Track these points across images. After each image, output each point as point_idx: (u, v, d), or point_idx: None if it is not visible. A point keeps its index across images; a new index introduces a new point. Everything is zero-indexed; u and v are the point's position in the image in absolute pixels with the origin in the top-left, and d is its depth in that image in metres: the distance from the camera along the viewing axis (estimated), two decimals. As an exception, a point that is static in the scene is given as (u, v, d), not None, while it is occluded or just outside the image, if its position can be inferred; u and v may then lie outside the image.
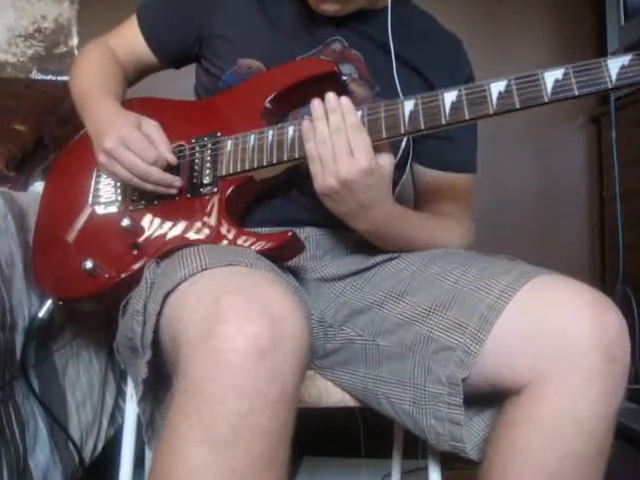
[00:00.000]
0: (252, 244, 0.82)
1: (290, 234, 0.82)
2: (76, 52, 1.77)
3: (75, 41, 1.79)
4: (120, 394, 1.28)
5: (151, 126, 0.88)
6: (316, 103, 0.79)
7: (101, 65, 1.03)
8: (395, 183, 0.98)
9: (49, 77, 1.76)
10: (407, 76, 0.95)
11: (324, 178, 0.77)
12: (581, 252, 1.79)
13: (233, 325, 0.58)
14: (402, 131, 0.79)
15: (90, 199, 0.96)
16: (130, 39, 1.05)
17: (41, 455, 0.99)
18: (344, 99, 0.78)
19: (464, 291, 0.75)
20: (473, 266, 0.77)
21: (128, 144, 0.84)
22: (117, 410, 1.27)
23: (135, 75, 1.08)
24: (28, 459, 0.95)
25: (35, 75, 1.77)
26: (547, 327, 0.68)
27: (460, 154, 1.01)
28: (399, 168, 0.95)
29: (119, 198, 0.94)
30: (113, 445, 1.17)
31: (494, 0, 1.81)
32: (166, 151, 0.87)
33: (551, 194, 1.80)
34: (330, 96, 0.79)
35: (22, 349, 0.96)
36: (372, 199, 0.79)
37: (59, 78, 1.72)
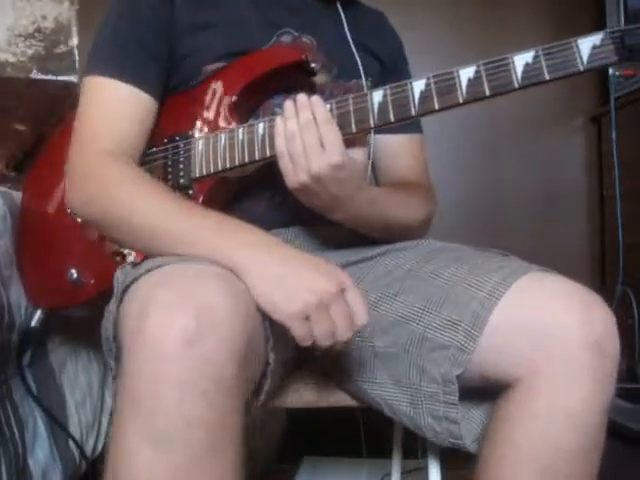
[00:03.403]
0: None
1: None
2: (76, 52, 1.78)
3: (75, 41, 1.79)
4: (120, 394, 1.28)
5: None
6: (287, 103, 0.79)
7: (148, 191, 0.78)
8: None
9: (49, 77, 1.76)
10: (362, 54, 0.96)
11: (295, 173, 0.76)
12: (581, 252, 1.79)
13: (159, 318, 0.57)
14: (371, 124, 0.79)
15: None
16: (133, 108, 0.85)
17: (41, 454, 0.99)
18: (314, 97, 0.78)
19: (456, 288, 0.75)
20: (466, 263, 0.77)
21: (348, 297, 0.67)
22: (117, 410, 1.27)
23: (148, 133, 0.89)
24: (28, 458, 0.95)
25: (35, 75, 1.77)
26: (537, 323, 0.68)
27: None
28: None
29: None
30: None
31: (493, 2, 1.81)
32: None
33: (551, 194, 1.80)
34: (300, 96, 0.78)
35: (17, 352, 0.96)
36: (345, 191, 0.78)
37: (59, 78, 1.73)
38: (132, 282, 0.68)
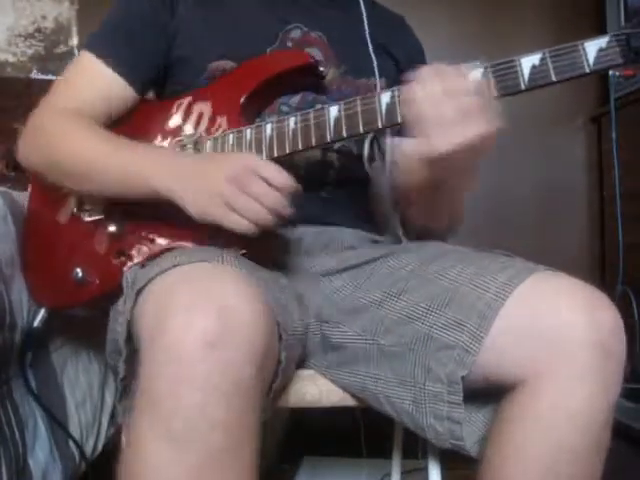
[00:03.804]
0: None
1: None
2: (76, 52, 1.77)
3: (75, 41, 1.79)
4: (120, 394, 1.28)
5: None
6: (430, 69, 0.74)
7: (85, 127, 0.88)
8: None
9: (49, 77, 1.76)
10: (379, 53, 0.97)
11: (446, 139, 0.71)
12: (581, 252, 1.79)
13: (180, 319, 0.58)
14: (379, 125, 0.79)
15: (74, 206, 0.94)
16: (102, 82, 0.92)
17: (41, 453, 0.99)
18: (461, 67, 0.75)
19: (462, 289, 0.74)
20: (471, 264, 0.77)
21: (257, 170, 0.74)
22: (117, 410, 1.27)
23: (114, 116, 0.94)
24: (28, 458, 0.95)
25: (35, 75, 1.77)
26: (542, 324, 0.68)
27: None
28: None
29: (102, 203, 0.91)
30: (114, 445, 1.17)
31: (494, 0, 1.82)
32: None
33: (551, 194, 1.80)
34: (442, 65, 0.75)
35: (19, 352, 0.96)
36: (476, 162, 0.77)
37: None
38: (147, 283, 0.68)
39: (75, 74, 0.94)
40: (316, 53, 0.95)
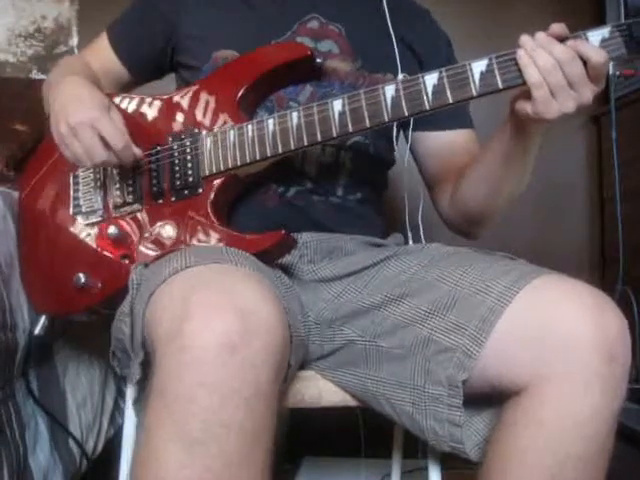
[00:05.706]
0: (243, 245, 0.81)
1: (283, 233, 0.81)
2: (76, 52, 1.77)
3: (75, 41, 1.79)
4: (120, 394, 1.28)
5: (119, 116, 0.86)
6: (537, 36, 0.73)
7: (77, 67, 1.02)
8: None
9: (49, 77, 1.76)
10: (401, 48, 0.96)
11: (562, 104, 0.73)
12: (581, 252, 1.79)
13: (201, 322, 0.57)
14: (385, 119, 0.78)
15: (71, 210, 0.93)
16: (103, 56, 1.04)
17: (41, 455, 0.99)
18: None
19: (464, 293, 0.74)
20: (473, 267, 0.77)
21: (97, 127, 0.82)
22: (117, 410, 1.27)
23: (111, 89, 1.04)
24: (28, 459, 0.95)
25: (35, 75, 1.76)
26: (547, 328, 0.67)
27: (464, 110, 1.02)
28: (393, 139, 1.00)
29: (101, 205, 0.91)
30: (113, 445, 1.17)
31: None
32: (133, 145, 0.85)
33: (551, 194, 1.80)
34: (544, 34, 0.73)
35: (21, 356, 0.96)
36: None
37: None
38: (159, 284, 0.67)
39: (94, 44, 1.07)
40: (331, 45, 0.95)
